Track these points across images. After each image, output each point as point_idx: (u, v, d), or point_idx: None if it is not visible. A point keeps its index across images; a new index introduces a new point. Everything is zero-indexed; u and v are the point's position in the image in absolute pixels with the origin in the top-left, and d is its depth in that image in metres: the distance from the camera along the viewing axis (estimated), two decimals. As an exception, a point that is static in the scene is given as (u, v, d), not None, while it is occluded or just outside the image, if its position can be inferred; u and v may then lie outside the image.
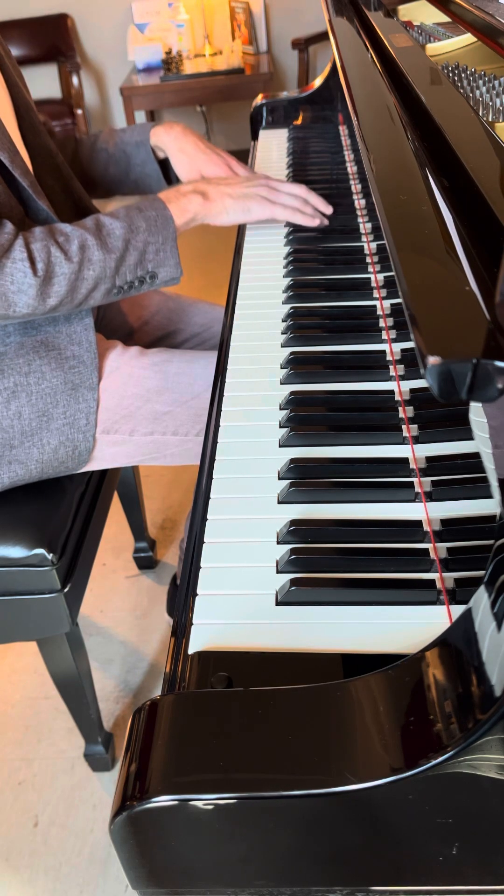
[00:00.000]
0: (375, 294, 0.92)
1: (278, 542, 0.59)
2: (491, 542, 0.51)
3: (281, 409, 0.75)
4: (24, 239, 0.83)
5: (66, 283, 0.85)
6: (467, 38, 1.02)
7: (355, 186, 1.19)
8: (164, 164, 1.16)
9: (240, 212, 0.98)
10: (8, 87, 0.98)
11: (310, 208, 1.04)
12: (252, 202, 0.99)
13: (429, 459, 0.65)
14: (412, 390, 0.74)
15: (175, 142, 1.12)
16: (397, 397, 0.74)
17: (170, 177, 1.18)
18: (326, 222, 1.07)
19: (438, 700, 0.43)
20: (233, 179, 1.01)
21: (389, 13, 1.25)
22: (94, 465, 1.02)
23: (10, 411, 0.94)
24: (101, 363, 0.99)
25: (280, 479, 0.66)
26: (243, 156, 1.21)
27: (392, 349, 0.81)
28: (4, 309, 0.84)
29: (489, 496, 0.59)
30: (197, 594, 0.56)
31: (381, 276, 0.93)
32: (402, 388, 0.75)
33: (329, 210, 1.08)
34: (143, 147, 1.13)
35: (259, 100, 1.63)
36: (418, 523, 0.59)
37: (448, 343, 0.41)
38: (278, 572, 0.57)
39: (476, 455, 0.63)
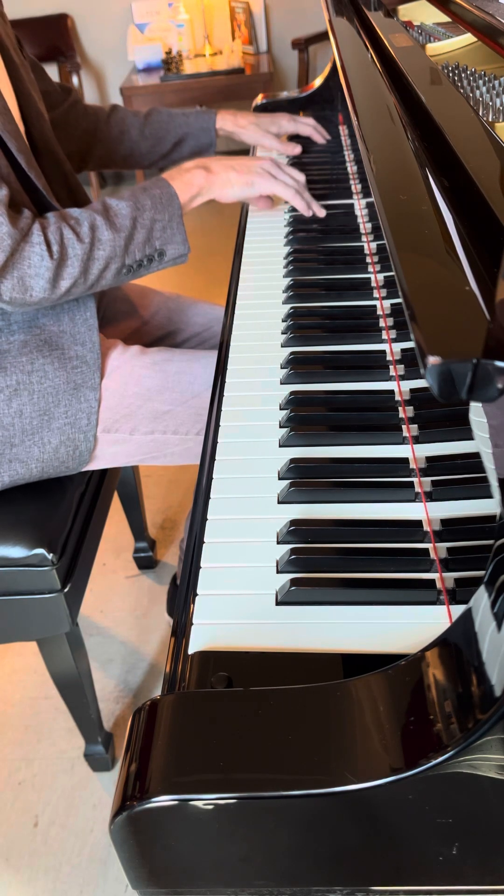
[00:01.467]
0: (375, 294, 0.92)
1: (278, 542, 0.59)
2: (491, 542, 0.51)
3: (281, 409, 0.75)
4: (40, 224, 0.85)
5: (78, 264, 0.87)
6: (467, 38, 1.02)
7: (355, 186, 1.19)
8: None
9: (244, 185, 1.01)
10: (18, 96, 0.99)
11: (307, 195, 1.09)
12: (255, 176, 1.01)
13: (429, 459, 0.65)
14: (412, 390, 0.74)
15: (242, 120, 1.28)
16: (397, 397, 0.74)
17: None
18: (322, 213, 1.11)
19: (438, 700, 0.43)
20: (237, 158, 1.04)
21: (389, 13, 1.25)
22: (95, 465, 1.02)
23: (11, 409, 0.94)
24: (102, 362, 0.99)
25: (280, 479, 0.66)
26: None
27: (392, 349, 0.81)
28: (21, 293, 0.85)
29: (489, 496, 0.59)
30: (197, 594, 0.56)
31: (381, 276, 0.93)
32: (402, 388, 0.75)
33: (322, 213, 1.11)
34: (208, 134, 1.26)
35: (259, 100, 1.63)
36: (418, 523, 0.59)
37: (448, 343, 0.41)
38: (278, 572, 0.57)
39: (476, 455, 0.63)
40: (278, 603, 0.54)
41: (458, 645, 0.45)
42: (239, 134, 1.29)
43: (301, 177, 1.10)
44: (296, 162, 1.37)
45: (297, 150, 1.32)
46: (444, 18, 1.18)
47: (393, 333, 0.83)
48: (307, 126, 1.37)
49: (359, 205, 1.13)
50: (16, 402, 0.94)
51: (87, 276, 0.89)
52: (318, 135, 1.38)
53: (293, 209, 1.17)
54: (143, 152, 1.27)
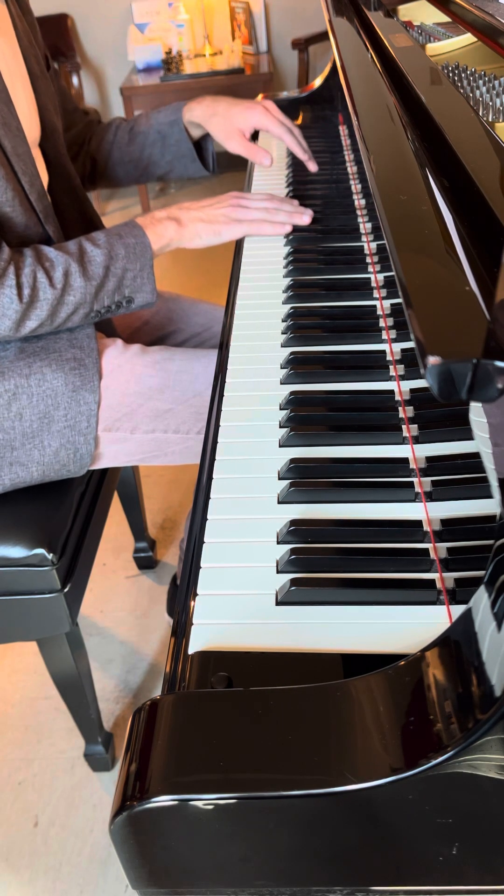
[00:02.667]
0: (375, 294, 0.92)
1: (278, 542, 0.59)
2: (491, 542, 0.51)
3: (281, 409, 0.75)
4: (14, 265, 0.86)
5: (47, 308, 0.88)
6: (467, 38, 1.02)
7: (355, 186, 1.19)
8: (198, 146, 1.21)
9: (211, 235, 1.00)
10: (38, 108, 1.01)
11: (281, 215, 1.06)
12: (220, 225, 1.00)
13: (429, 459, 0.65)
14: (412, 390, 0.74)
15: (207, 109, 1.15)
16: (397, 397, 0.74)
17: (205, 157, 1.23)
18: (305, 221, 1.07)
19: (438, 700, 0.43)
20: (205, 202, 1.03)
21: (389, 13, 1.25)
22: (96, 464, 1.02)
23: (11, 413, 0.94)
24: (102, 361, 0.99)
25: (280, 479, 0.66)
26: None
27: (392, 349, 0.81)
28: None
29: (489, 496, 0.59)
30: (197, 594, 0.56)
31: (381, 276, 0.93)
32: (402, 388, 0.75)
33: (305, 220, 1.07)
34: (177, 125, 1.17)
35: (259, 100, 1.63)
36: (418, 523, 0.59)
37: (448, 343, 0.41)
38: (278, 572, 0.57)
39: (476, 455, 0.63)
40: (278, 603, 0.55)
41: (458, 645, 0.45)
42: (205, 125, 1.17)
43: (269, 202, 1.06)
44: (295, 163, 1.37)
45: (265, 161, 1.17)
46: (444, 18, 1.18)
47: (393, 333, 0.83)
48: (281, 127, 1.17)
49: (359, 205, 1.13)
50: (15, 406, 0.94)
51: (55, 319, 0.91)
52: (294, 142, 1.19)
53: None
54: (136, 175, 1.26)
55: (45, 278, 0.87)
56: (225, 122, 1.15)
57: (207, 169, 1.24)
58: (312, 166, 1.21)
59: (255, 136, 1.60)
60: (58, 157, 1.06)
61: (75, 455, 0.98)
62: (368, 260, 0.99)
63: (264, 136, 1.57)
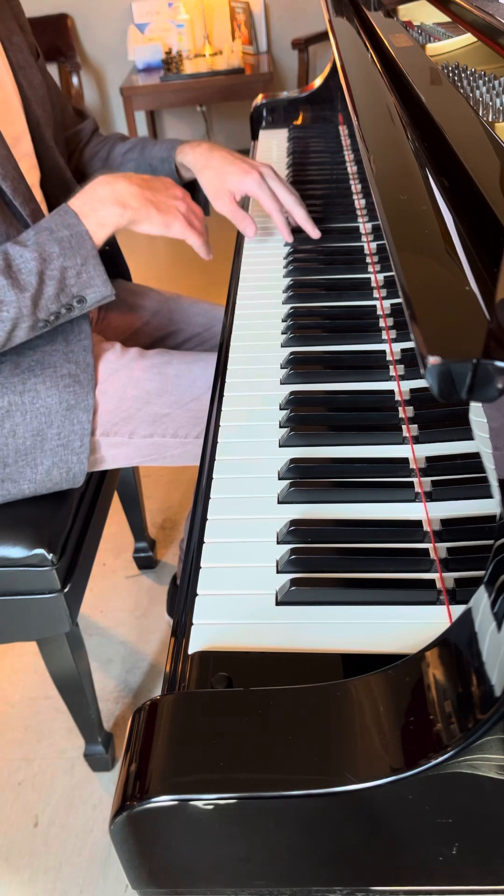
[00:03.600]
0: (375, 294, 0.92)
1: (278, 542, 0.59)
2: (491, 542, 0.51)
3: (281, 409, 0.75)
4: None
5: None
6: (467, 38, 1.02)
7: (355, 186, 1.19)
8: (190, 186, 1.12)
9: (162, 225, 0.90)
10: (22, 101, 0.98)
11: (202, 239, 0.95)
12: (173, 218, 0.91)
13: (429, 459, 0.65)
14: (412, 390, 0.74)
15: (201, 158, 1.07)
16: (397, 397, 0.74)
17: (198, 198, 1.12)
18: (207, 256, 0.97)
19: (438, 700, 0.43)
20: (156, 183, 0.93)
21: (389, 13, 1.25)
22: (95, 467, 1.02)
23: (4, 429, 0.93)
24: (100, 366, 0.99)
25: (280, 479, 0.66)
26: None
27: (392, 349, 0.81)
28: None
29: (489, 496, 0.59)
30: (197, 594, 0.56)
31: (381, 276, 0.93)
32: (402, 388, 0.75)
33: (207, 256, 0.98)
34: (168, 163, 1.10)
35: (259, 100, 1.63)
36: (418, 523, 0.59)
37: (448, 343, 0.41)
38: (278, 572, 0.57)
39: (476, 455, 0.63)
40: (278, 603, 0.54)
41: (458, 645, 0.45)
42: (196, 175, 1.09)
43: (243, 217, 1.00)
44: (295, 163, 1.37)
45: (249, 231, 1.06)
46: (444, 18, 1.18)
47: (393, 333, 0.83)
48: (271, 203, 1.04)
49: (359, 205, 1.13)
50: (8, 423, 0.93)
51: None
52: (283, 224, 1.07)
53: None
54: None
55: None
56: (217, 180, 1.05)
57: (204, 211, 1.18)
58: (314, 233, 1.06)
59: (255, 135, 1.61)
60: (46, 151, 1.02)
61: (67, 474, 0.97)
62: (368, 260, 0.99)
63: (264, 135, 1.58)
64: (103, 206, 0.87)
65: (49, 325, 0.88)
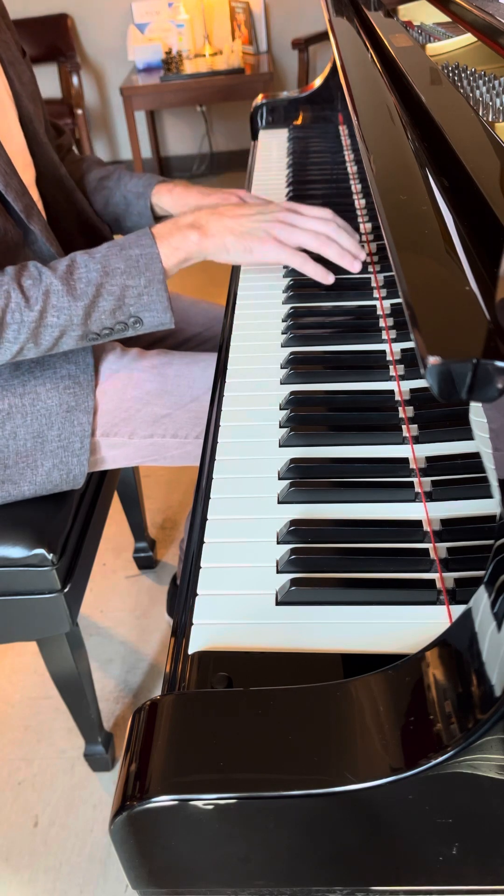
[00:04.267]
0: (375, 294, 0.92)
1: (278, 542, 0.59)
2: (491, 542, 0.51)
3: (281, 409, 0.75)
4: None
5: (26, 331, 0.81)
6: (467, 38, 1.02)
7: (355, 186, 1.19)
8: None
9: (241, 252, 0.85)
10: (14, 97, 0.98)
11: (332, 249, 0.87)
12: (255, 241, 0.85)
13: (429, 459, 0.65)
14: (412, 390, 0.74)
15: (176, 201, 1.06)
16: (397, 397, 0.74)
17: None
18: (355, 268, 0.89)
19: (438, 700, 0.43)
20: (244, 208, 0.88)
21: (389, 13, 1.25)
22: (95, 467, 1.02)
23: (5, 432, 0.93)
24: (100, 366, 0.99)
25: (280, 479, 0.66)
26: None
27: (392, 349, 0.81)
28: None
29: (489, 496, 0.59)
30: (197, 594, 0.56)
31: (381, 276, 0.93)
32: (402, 388, 0.75)
33: (355, 266, 0.89)
34: (144, 199, 1.08)
35: (259, 100, 1.63)
36: (418, 523, 0.59)
37: (448, 343, 0.41)
38: (278, 572, 0.57)
39: (476, 455, 0.63)
40: (278, 603, 0.54)
41: (457, 645, 0.45)
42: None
43: (324, 226, 0.87)
44: (295, 163, 1.37)
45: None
46: (444, 18, 1.18)
47: (393, 333, 0.83)
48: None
49: (359, 205, 1.13)
50: (9, 425, 0.93)
51: (39, 343, 0.83)
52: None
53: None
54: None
55: (21, 298, 0.80)
56: None
57: None
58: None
59: (255, 135, 1.61)
60: (39, 147, 1.01)
61: (68, 475, 0.97)
62: (368, 260, 0.99)
63: (264, 135, 1.58)
64: (180, 231, 0.85)
65: (100, 338, 0.86)
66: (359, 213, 1.11)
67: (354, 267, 0.88)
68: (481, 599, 0.45)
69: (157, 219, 1.10)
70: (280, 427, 0.72)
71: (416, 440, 0.67)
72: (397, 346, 0.81)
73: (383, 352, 0.81)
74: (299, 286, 0.95)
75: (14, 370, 0.93)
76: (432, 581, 0.55)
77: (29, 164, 1.00)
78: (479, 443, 0.54)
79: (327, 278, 0.89)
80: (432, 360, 0.39)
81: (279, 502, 0.63)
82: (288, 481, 0.64)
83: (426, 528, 0.59)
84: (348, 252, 0.88)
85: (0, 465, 0.95)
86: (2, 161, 0.88)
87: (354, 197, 1.16)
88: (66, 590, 1.00)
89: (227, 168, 4.06)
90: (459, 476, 0.62)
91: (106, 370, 0.99)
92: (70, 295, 0.81)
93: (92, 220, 1.11)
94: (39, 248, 0.93)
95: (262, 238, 0.85)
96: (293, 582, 0.55)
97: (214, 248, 0.85)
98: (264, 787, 0.42)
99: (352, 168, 1.26)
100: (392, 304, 0.87)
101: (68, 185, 1.07)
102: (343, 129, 1.43)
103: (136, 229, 1.06)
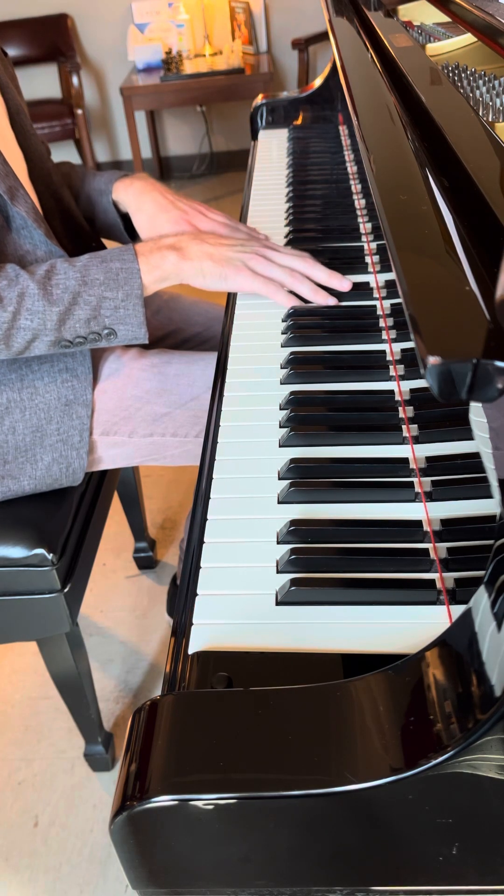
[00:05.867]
0: (375, 294, 0.92)
1: (278, 542, 0.59)
2: (491, 542, 0.51)
3: (281, 409, 0.75)
4: None
5: None
6: (467, 38, 1.02)
7: (355, 186, 1.19)
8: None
9: (217, 278, 0.87)
10: (1, 90, 0.97)
11: (305, 286, 0.89)
12: (231, 269, 0.87)
13: (429, 459, 0.65)
14: (412, 390, 0.74)
15: (134, 200, 1.03)
16: (397, 397, 0.74)
17: (134, 230, 1.07)
18: (328, 302, 0.88)
19: (438, 700, 0.43)
20: (225, 238, 0.89)
21: (389, 13, 1.25)
22: (95, 467, 1.02)
23: (4, 427, 0.94)
24: (100, 364, 0.99)
25: (280, 479, 0.66)
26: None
27: (392, 349, 0.81)
28: None
29: (489, 496, 0.59)
30: (197, 594, 0.56)
31: (381, 277, 0.93)
32: (402, 388, 0.75)
33: (329, 301, 0.89)
34: (106, 196, 1.07)
35: (259, 100, 1.63)
36: (418, 523, 0.59)
37: (448, 343, 0.41)
38: (278, 572, 0.57)
39: (476, 455, 0.63)
40: (278, 603, 0.55)
41: (457, 645, 0.45)
42: (131, 214, 1.04)
43: (300, 263, 0.89)
44: (295, 163, 1.37)
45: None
46: (444, 18, 1.18)
47: (393, 333, 0.83)
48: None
49: (359, 205, 1.13)
50: (8, 420, 0.93)
51: (10, 345, 0.83)
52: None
53: (292, 209, 1.17)
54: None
55: None
56: (150, 224, 1.01)
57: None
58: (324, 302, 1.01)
59: (255, 135, 1.61)
60: (27, 139, 1.00)
61: (67, 469, 0.97)
62: (368, 260, 0.99)
63: (264, 135, 1.58)
64: (160, 251, 0.86)
65: (72, 346, 0.86)
66: (359, 213, 1.11)
67: (329, 301, 0.89)
68: (481, 599, 0.45)
69: (122, 216, 1.08)
70: (280, 427, 0.72)
71: (416, 440, 0.67)
72: (397, 346, 0.81)
73: (383, 352, 0.81)
74: (299, 286, 0.95)
75: (11, 364, 0.93)
76: (432, 581, 0.55)
77: (20, 157, 0.98)
78: (479, 443, 0.54)
79: (290, 300, 0.89)
80: (432, 360, 0.39)
81: (279, 502, 0.63)
82: (288, 481, 0.64)
83: (426, 528, 0.59)
84: (321, 289, 0.89)
85: (0, 460, 0.95)
86: None
87: (354, 197, 1.16)
88: (66, 590, 1.00)
89: (227, 168, 4.06)
90: (459, 476, 0.62)
91: (106, 369, 0.99)
92: (46, 299, 0.82)
93: (78, 220, 1.09)
94: (29, 233, 0.91)
95: (237, 267, 0.87)
96: (293, 582, 0.55)
97: (192, 271, 0.87)
98: (264, 787, 0.42)
99: (352, 168, 1.26)
100: (392, 304, 0.87)
101: (56, 180, 1.06)
102: (343, 129, 1.43)
103: (105, 230, 1.10)
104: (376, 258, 0.97)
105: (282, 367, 0.81)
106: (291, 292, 0.90)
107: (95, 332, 0.85)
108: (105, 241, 1.14)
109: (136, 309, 0.85)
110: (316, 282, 0.90)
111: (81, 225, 1.10)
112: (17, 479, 0.96)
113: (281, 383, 0.78)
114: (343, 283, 0.90)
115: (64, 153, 3.84)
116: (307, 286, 0.89)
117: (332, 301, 0.89)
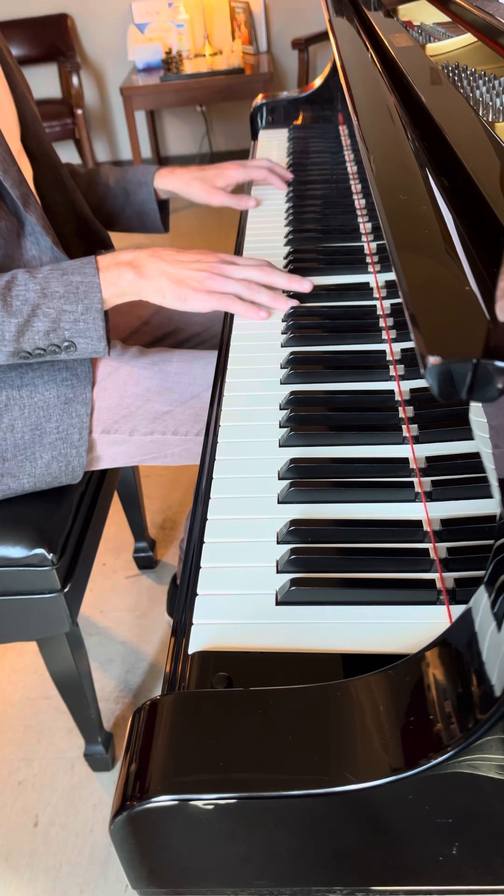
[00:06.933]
0: (375, 294, 0.92)
1: (278, 542, 0.59)
2: (491, 542, 0.51)
3: (281, 409, 0.75)
4: None
5: None
6: (467, 38, 1.02)
7: (355, 186, 1.19)
8: (162, 207, 1.19)
9: (175, 298, 0.87)
10: (15, 99, 0.99)
11: (262, 295, 0.89)
12: (189, 290, 0.86)
13: (429, 459, 0.65)
14: (412, 390, 0.74)
15: (182, 177, 1.16)
16: (397, 397, 0.74)
17: (167, 220, 1.22)
18: (284, 308, 0.89)
19: (438, 700, 0.43)
20: (183, 254, 0.89)
21: (389, 13, 1.25)
22: (95, 465, 1.02)
23: (3, 424, 0.94)
24: (100, 363, 0.99)
25: (280, 479, 0.66)
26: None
27: (392, 349, 0.81)
28: None
29: (489, 496, 0.59)
30: (197, 594, 0.56)
31: (381, 277, 0.93)
32: (402, 388, 0.75)
33: (304, 287, 0.90)
34: (146, 187, 1.16)
35: (259, 100, 1.63)
36: (418, 523, 0.59)
37: (448, 343, 0.41)
38: (278, 572, 0.57)
39: (476, 455, 0.63)
40: (278, 603, 0.55)
41: (457, 645, 0.45)
42: (183, 192, 1.17)
43: (258, 273, 0.89)
44: (295, 163, 1.37)
45: (250, 203, 1.19)
46: (444, 18, 1.18)
47: (393, 333, 0.83)
48: (260, 170, 1.23)
49: (359, 205, 1.13)
50: (7, 418, 0.94)
51: None
52: (276, 178, 1.25)
53: (292, 209, 1.17)
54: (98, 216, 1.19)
55: None
56: (203, 184, 1.16)
57: (166, 229, 1.23)
58: (288, 175, 1.26)
59: (255, 135, 1.61)
60: (41, 147, 1.03)
61: (67, 467, 0.97)
62: (368, 260, 0.99)
63: (264, 135, 1.58)
64: (118, 268, 0.86)
65: (32, 357, 0.86)
66: (359, 213, 1.11)
67: (288, 305, 0.89)
68: (481, 599, 0.45)
69: (160, 203, 1.19)
70: (280, 427, 0.72)
71: (416, 440, 0.67)
72: (397, 346, 0.81)
73: (383, 352, 0.81)
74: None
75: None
76: (432, 581, 0.55)
77: (26, 165, 1.00)
78: (479, 443, 0.54)
79: (259, 314, 0.89)
80: (432, 360, 0.39)
81: (279, 502, 0.63)
82: (288, 481, 0.64)
83: (426, 528, 0.59)
84: (281, 295, 0.89)
85: None
86: (1, 149, 0.89)
87: (354, 197, 1.16)
88: (66, 590, 1.00)
89: (227, 168, 4.06)
90: (459, 476, 0.62)
91: (106, 367, 0.99)
92: (5, 311, 0.82)
93: (92, 224, 1.12)
94: (36, 239, 0.93)
95: (195, 288, 0.87)
96: (293, 582, 0.55)
97: (150, 290, 0.87)
98: (264, 787, 0.42)
99: (352, 168, 1.26)
100: (392, 304, 0.87)
101: (69, 185, 1.08)
102: (343, 129, 1.43)
103: (135, 217, 1.18)
104: (376, 258, 0.97)
105: (282, 367, 0.81)
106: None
107: (55, 345, 0.85)
108: (112, 239, 1.19)
109: (96, 322, 0.85)
110: (277, 288, 0.91)
111: (94, 230, 1.13)
112: (16, 477, 0.96)
113: (281, 383, 0.78)
114: (303, 284, 0.91)
115: (64, 153, 3.84)
116: (265, 295, 0.89)
117: (293, 303, 0.89)
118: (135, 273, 0.86)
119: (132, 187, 1.17)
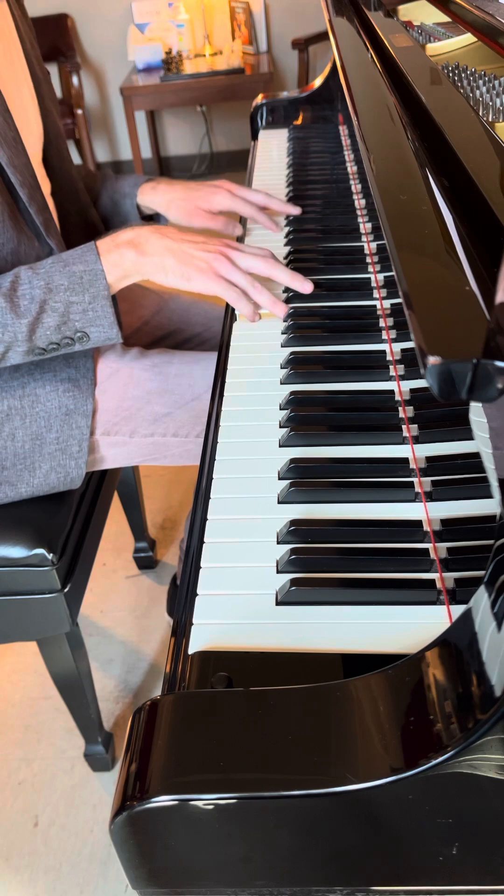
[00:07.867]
0: (375, 294, 0.92)
1: (278, 542, 0.59)
2: (491, 542, 0.51)
3: (281, 409, 0.75)
4: None
5: None
6: (467, 38, 1.02)
7: (355, 186, 1.19)
8: (152, 219, 1.15)
9: (179, 276, 0.85)
10: (42, 113, 1.00)
11: (263, 296, 0.88)
12: (194, 269, 0.84)
13: (429, 459, 0.65)
14: (412, 390, 0.74)
15: (164, 196, 1.08)
16: (397, 397, 0.74)
17: None
18: (279, 314, 0.88)
19: (438, 700, 0.43)
20: (189, 234, 0.87)
21: (389, 13, 1.25)
22: (95, 466, 1.02)
23: (3, 434, 0.94)
24: (100, 365, 0.99)
25: (280, 479, 0.66)
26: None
27: (392, 349, 0.81)
28: None
29: (489, 496, 0.59)
30: (197, 594, 0.56)
31: (381, 276, 0.93)
32: (402, 388, 0.75)
33: (305, 288, 0.90)
34: (129, 199, 1.11)
35: (259, 100, 1.63)
36: (418, 523, 0.59)
37: (448, 343, 0.41)
38: (278, 572, 0.57)
39: (476, 455, 0.63)
40: (278, 603, 0.55)
41: (458, 645, 0.45)
42: (163, 213, 1.10)
43: (264, 265, 0.88)
44: (295, 163, 1.37)
45: (237, 230, 1.08)
46: (444, 18, 1.18)
47: (393, 333, 0.83)
48: (250, 206, 1.08)
49: (359, 205, 1.13)
50: (8, 427, 0.94)
51: None
52: (267, 219, 1.09)
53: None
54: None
55: None
56: (186, 205, 1.06)
57: None
58: (294, 210, 1.13)
59: (255, 135, 1.61)
60: (61, 161, 1.04)
61: (65, 478, 0.97)
62: (368, 260, 0.99)
63: (264, 135, 1.58)
64: (118, 249, 0.84)
65: (47, 353, 0.86)
66: (359, 213, 1.11)
67: (283, 313, 0.88)
68: (481, 599, 0.45)
69: (145, 218, 1.13)
70: (280, 427, 0.72)
71: (416, 440, 0.67)
72: (397, 346, 0.81)
73: (383, 352, 0.81)
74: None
75: (13, 371, 0.93)
76: (432, 581, 0.55)
77: (44, 177, 1.01)
78: (479, 443, 0.54)
79: (255, 317, 0.89)
80: (432, 360, 0.39)
81: (279, 502, 0.63)
82: (288, 481, 0.64)
83: (426, 528, 0.59)
84: (279, 302, 0.89)
85: None
86: (28, 174, 0.89)
87: (354, 197, 1.16)
88: (66, 590, 1.00)
89: (228, 168, 4.06)
90: (459, 476, 0.62)
91: (106, 369, 0.99)
92: (13, 312, 0.81)
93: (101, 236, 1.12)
94: None
95: (202, 269, 0.85)
96: (293, 582, 0.55)
97: (153, 267, 0.85)
98: (264, 787, 0.42)
99: (352, 168, 1.26)
100: (392, 304, 0.87)
101: (83, 200, 1.09)
102: (343, 129, 1.43)
103: (124, 213, 1.13)
104: (376, 258, 0.97)
105: (282, 367, 0.81)
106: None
107: (68, 337, 0.85)
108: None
109: (105, 310, 0.84)
110: (277, 282, 0.90)
111: (99, 231, 1.13)
112: (14, 485, 0.96)
113: (281, 383, 0.78)
114: (305, 285, 0.90)
115: (64, 153, 3.84)
116: (266, 297, 0.88)
117: (288, 309, 0.89)
118: (136, 252, 0.84)
119: (118, 198, 1.13)
